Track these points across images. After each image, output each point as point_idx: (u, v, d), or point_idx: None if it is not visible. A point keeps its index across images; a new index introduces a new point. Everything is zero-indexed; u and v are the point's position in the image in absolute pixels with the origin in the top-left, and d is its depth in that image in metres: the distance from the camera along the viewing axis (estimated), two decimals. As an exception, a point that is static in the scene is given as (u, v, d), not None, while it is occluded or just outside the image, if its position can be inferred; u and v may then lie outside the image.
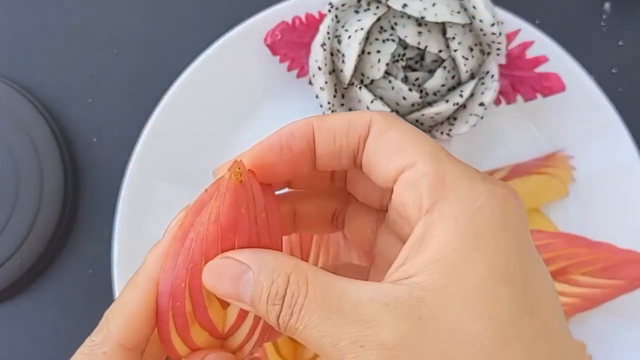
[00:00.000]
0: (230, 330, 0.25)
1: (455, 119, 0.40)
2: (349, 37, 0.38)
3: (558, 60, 0.43)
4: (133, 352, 0.23)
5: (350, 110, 0.41)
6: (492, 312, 0.20)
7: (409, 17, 0.38)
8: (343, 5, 0.39)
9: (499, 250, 0.21)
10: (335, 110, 0.39)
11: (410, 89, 0.38)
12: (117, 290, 0.41)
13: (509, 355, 0.20)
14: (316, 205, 0.28)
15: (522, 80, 0.42)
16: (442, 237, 0.21)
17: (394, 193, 0.23)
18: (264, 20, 0.42)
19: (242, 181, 0.23)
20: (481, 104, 0.40)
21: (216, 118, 0.44)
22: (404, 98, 0.38)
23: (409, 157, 0.23)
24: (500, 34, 0.38)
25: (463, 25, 0.38)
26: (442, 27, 0.38)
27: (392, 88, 0.38)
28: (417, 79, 0.39)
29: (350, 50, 0.38)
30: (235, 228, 0.24)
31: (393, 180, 0.23)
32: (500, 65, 0.40)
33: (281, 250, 0.25)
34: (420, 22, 0.38)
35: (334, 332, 0.21)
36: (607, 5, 0.48)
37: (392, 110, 0.39)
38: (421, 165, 0.22)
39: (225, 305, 0.24)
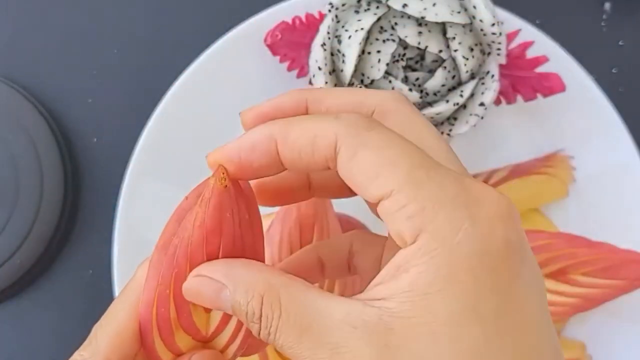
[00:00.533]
0: (213, 334, 0.25)
1: (455, 119, 0.40)
2: (349, 37, 0.38)
3: (558, 60, 0.43)
4: None
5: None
6: (459, 348, 0.20)
7: (409, 17, 0.38)
8: (343, 5, 0.39)
9: (472, 287, 0.20)
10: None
11: (410, 89, 0.38)
12: (117, 290, 0.41)
13: None
14: (332, 173, 0.28)
15: (523, 81, 0.42)
16: (417, 270, 0.20)
17: (378, 213, 0.22)
18: (264, 20, 0.42)
19: (226, 186, 0.23)
20: (481, 104, 0.40)
21: (216, 118, 0.44)
22: (404, 98, 0.38)
23: (383, 186, 0.21)
24: (500, 34, 0.38)
25: (463, 25, 0.38)
26: (443, 27, 0.38)
27: (393, 88, 0.38)
28: (417, 79, 0.39)
29: (351, 50, 0.38)
30: (220, 232, 0.23)
31: (375, 205, 0.22)
32: (501, 65, 0.40)
33: (262, 247, 0.25)
34: (420, 22, 0.38)
35: (307, 354, 0.21)
36: (607, 5, 0.48)
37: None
38: (398, 195, 0.21)
39: (208, 309, 0.24)
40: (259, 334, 0.22)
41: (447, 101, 0.39)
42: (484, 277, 0.20)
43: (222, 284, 0.23)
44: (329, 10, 0.39)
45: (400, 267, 0.21)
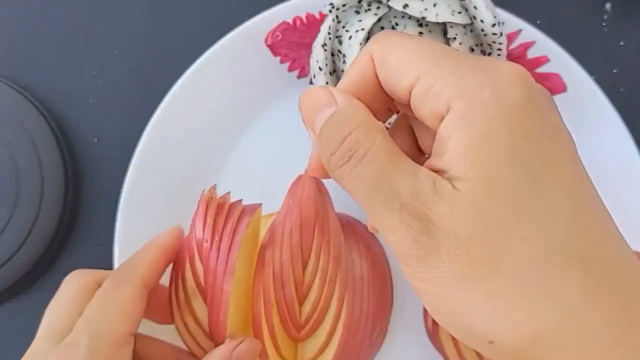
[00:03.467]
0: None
1: (456, 119, 0.40)
2: (350, 37, 0.38)
3: (559, 60, 0.43)
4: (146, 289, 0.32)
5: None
6: (512, 194, 0.22)
7: (410, 17, 0.38)
8: (344, 5, 0.39)
9: (509, 138, 0.22)
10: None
11: (411, 90, 0.38)
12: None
13: (526, 232, 0.21)
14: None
15: (523, 81, 0.42)
16: (457, 134, 0.22)
17: (412, 109, 0.25)
18: (265, 21, 0.42)
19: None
20: (482, 105, 0.39)
21: (217, 118, 0.44)
22: (405, 98, 0.38)
23: (410, 76, 0.24)
24: (501, 34, 0.38)
25: (464, 26, 0.38)
26: (443, 28, 0.38)
27: (393, 88, 0.38)
28: (418, 80, 0.39)
29: (351, 50, 0.38)
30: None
31: (407, 100, 0.24)
32: (501, 66, 0.40)
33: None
34: (421, 22, 0.38)
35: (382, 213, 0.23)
36: (608, 6, 0.48)
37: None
38: (424, 78, 0.23)
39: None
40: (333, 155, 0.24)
41: (448, 102, 0.39)
42: (517, 128, 0.22)
43: (334, 102, 0.25)
44: (330, 11, 0.39)
45: (444, 138, 0.23)
